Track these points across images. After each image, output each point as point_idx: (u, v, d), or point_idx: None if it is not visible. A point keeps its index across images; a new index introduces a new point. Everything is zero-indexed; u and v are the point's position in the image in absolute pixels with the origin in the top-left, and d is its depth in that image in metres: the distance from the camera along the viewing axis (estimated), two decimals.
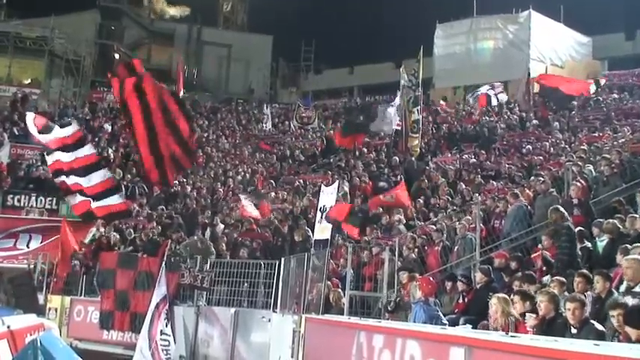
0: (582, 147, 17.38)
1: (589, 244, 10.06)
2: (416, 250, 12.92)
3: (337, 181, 15.75)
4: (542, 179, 13.27)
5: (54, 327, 8.11)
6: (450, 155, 22.58)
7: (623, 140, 16.96)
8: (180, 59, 39.03)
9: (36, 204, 22.76)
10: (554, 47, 37.47)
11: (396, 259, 12.29)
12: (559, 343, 4.62)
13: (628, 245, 8.52)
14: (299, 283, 11.64)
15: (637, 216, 9.77)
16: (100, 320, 14.78)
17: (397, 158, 22.02)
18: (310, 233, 14.89)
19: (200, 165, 26.88)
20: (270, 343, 12.46)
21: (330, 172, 22.58)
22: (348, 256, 11.95)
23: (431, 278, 10.62)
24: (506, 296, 7.98)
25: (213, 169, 25.93)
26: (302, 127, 32.59)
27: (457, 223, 13.12)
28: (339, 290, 11.69)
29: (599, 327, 6.38)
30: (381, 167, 21.90)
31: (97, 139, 28.80)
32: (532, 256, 10.09)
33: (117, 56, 47.94)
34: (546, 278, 9.03)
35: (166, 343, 13.02)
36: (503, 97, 29.23)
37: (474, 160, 20.88)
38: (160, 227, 18.48)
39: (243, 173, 24.77)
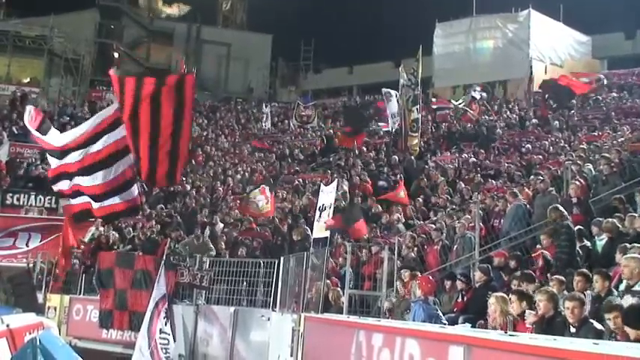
0: (582, 146, 17.40)
1: (588, 243, 10.06)
2: (415, 249, 12.93)
3: (337, 180, 15.73)
4: (541, 178, 13.28)
5: (53, 326, 8.11)
6: (449, 154, 22.59)
7: (622, 139, 16.97)
8: (181, 60, 38.93)
9: (35, 203, 22.75)
10: (554, 46, 37.47)
11: (396, 258, 12.30)
12: (558, 342, 4.62)
13: (627, 244, 8.52)
14: (298, 281, 11.64)
15: (636, 215, 9.77)
16: (99, 319, 14.78)
17: (396, 157, 22.02)
18: (309, 232, 14.88)
19: (199, 164, 26.90)
20: (269, 342, 12.46)
21: (329, 171, 22.60)
22: (348, 255, 11.95)
23: (430, 277, 10.63)
24: (505, 295, 7.98)
25: (213, 168, 25.93)
26: (301, 125, 32.58)
27: (457, 222, 13.13)
28: (339, 289, 11.70)
29: (599, 326, 6.38)
30: (381, 166, 21.91)
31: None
32: (533, 255, 10.07)
33: (116, 55, 47.99)
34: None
35: (166, 341, 13.02)
36: (484, 95, 29.21)
37: (474, 159, 20.88)
38: (159, 226, 18.48)
39: (242, 172, 24.77)
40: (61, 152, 10.87)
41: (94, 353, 14.10)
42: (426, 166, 20.71)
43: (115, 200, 10.66)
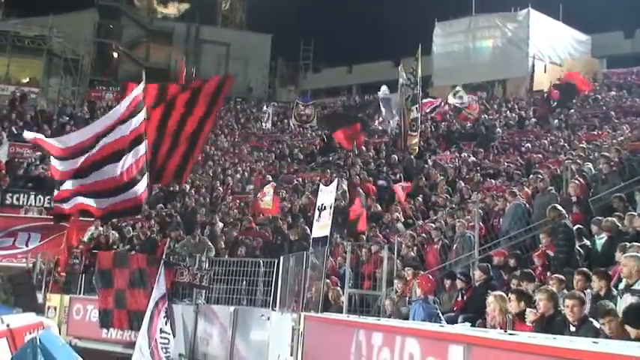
0: (581, 145, 17.40)
1: (588, 242, 10.07)
2: (415, 248, 12.95)
3: (337, 180, 15.76)
4: (540, 177, 13.28)
5: (53, 325, 8.11)
6: (448, 153, 22.61)
7: (622, 138, 16.98)
8: (181, 61, 38.94)
9: (35, 203, 22.73)
10: (553, 45, 37.50)
11: (395, 257, 12.31)
12: (557, 341, 4.62)
13: (627, 243, 8.53)
14: (298, 281, 11.64)
15: (635, 214, 9.77)
16: (99, 319, 14.75)
17: (396, 156, 22.03)
18: (308, 231, 14.88)
19: (199, 163, 26.88)
20: (269, 342, 12.46)
21: (328, 171, 22.61)
22: (347, 254, 11.96)
23: (430, 276, 10.64)
24: (503, 294, 7.99)
25: (212, 168, 25.93)
26: (301, 125, 32.57)
27: (456, 221, 13.14)
28: (338, 288, 11.70)
29: (598, 325, 6.39)
30: (380, 165, 21.92)
31: None
32: (536, 254, 10.08)
33: (115, 55, 47.98)
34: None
35: (166, 341, 13.00)
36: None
37: (473, 158, 20.89)
38: (158, 226, 18.48)
39: (241, 172, 24.78)
40: (71, 154, 10.76)
41: (94, 353, 14.09)
42: (426, 166, 20.72)
43: (116, 199, 10.64)
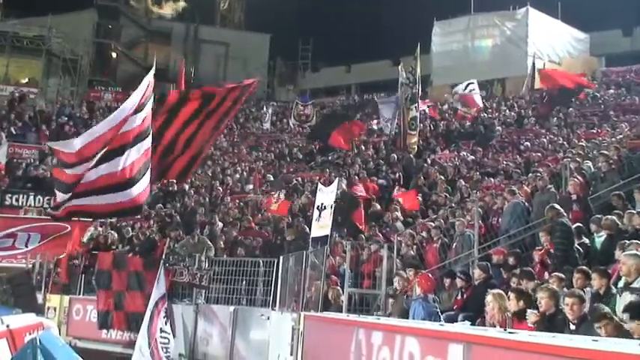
0: (580, 143, 17.40)
1: (587, 241, 10.07)
2: (414, 247, 12.95)
3: (337, 180, 15.78)
4: (539, 176, 13.29)
5: (53, 326, 8.12)
6: (447, 152, 22.61)
7: (621, 136, 16.99)
8: (181, 61, 38.88)
9: (34, 203, 22.72)
10: (552, 44, 37.52)
11: (395, 256, 12.32)
12: (557, 339, 4.62)
13: (627, 241, 8.53)
14: (298, 280, 11.65)
15: (634, 212, 9.77)
16: (98, 321, 14.73)
17: (395, 155, 22.02)
18: (307, 230, 14.88)
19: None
20: (269, 341, 12.47)
21: (327, 170, 22.62)
22: (347, 253, 11.96)
23: (430, 275, 10.65)
24: (502, 292, 8.00)
25: (212, 168, 25.92)
26: (300, 125, 32.56)
27: (456, 220, 13.15)
28: (338, 288, 11.71)
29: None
30: (380, 165, 21.92)
31: None
32: (540, 252, 10.08)
33: (114, 55, 47.95)
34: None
35: (166, 341, 13.01)
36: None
37: (472, 157, 20.89)
38: (157, 226, 18.48)
39: (241, 171, 24.78)
40: (80, 160, 10.67)
41: (94, 353, 14.09)
42: (425, 165, 20.73)
43: (116, 197, 10.58)
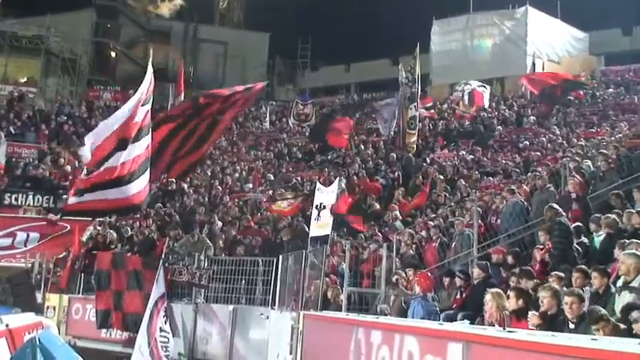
0: (580, 143, 17.41)
1: (586, 240, 10.07)
2: (414, 246, 12.96)
3: (337, 179, 15.81)
4: (539, 175, 13.29)
5: (52, 325, 8.12)
6: (446, 151, 22.62)
7: (620, 136, 16.98)
8: (180, 61, 38.87)
9: (33, 203, 22.73)
10: (551, 43, 37.51)
11: (394, 255, 12.32)
12: (557, 338, 4.63)
13: (626, 240, 8.53)
14: (297, 280, 11.66)
15: (633, 211, 9.77)
16: (96, 320, 14.71)
17: (394, 155, 22.02)
18: (307, 229, 14.89)
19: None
20: (268, 340, 12.48)
21: (326, 170, 22.62)
22: (346, 252, 11.97)
23: (429, 274, 10.66)
24: (501, 291, 8.00)
25: (211, 167, 25.92)
26: (300, 124, 32.56)
27: (455, 219, 13.16)
28: (338, 287, 11.71)
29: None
30: (379, 164, 21.92)
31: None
32: (541, 251, 10.09)
33: (113, 54, 47.89)
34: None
35: (165, 340, 13.03)
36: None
37: (471, 156, 20.90)
38: (156, 225, 18.48)
39: (240, 170, 24.77)
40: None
41: (93, 352, 14.11)
42: (424, 164, 20.74)
43: (115, 195, 10.52)
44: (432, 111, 28.22)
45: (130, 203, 10.68)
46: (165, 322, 13.09)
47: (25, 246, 20.19)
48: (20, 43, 42.98)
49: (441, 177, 18.13)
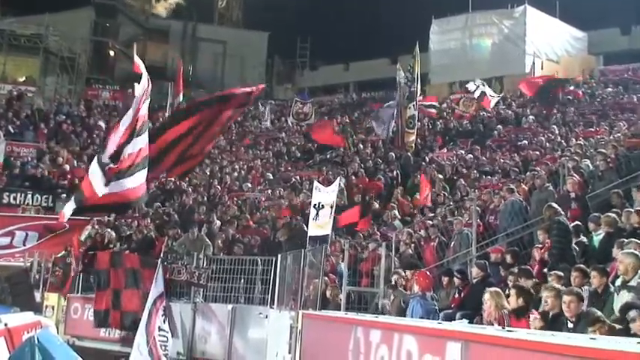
0: (578, 142, 17.41)
1: (585, 239, 10.08)
2: (412, 245, 12.96)
3: (338, 179, 15.81)
4: (537, 174, 13.30)
5: (51, 324, 8.10)
6: (445, 151, 22.62)
7: (619, 135, 16.99)
8: (179, 60, 38.79)
9: (32, 202, 22.70)
10: (550, 42, 37.53)
11: (393, 254, 12.33)
12: (555, 337, 4.63)
13: (625, 239, 8.55)
14: (296, 279, 11.66)
15: (632, 210, 9.79)
16: (94, 319, 14.70)
17: (393, 154, 22.03)
18: (305, 228, 14.88)
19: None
20: (267, 339, 12.48)
21: (324, 169, 22.63)
22: (345, 252, 11.98)
23: (428, 273, 10.67)
24: (500, 290, 8.01)
25: (210, 166, 25.90)
26: (299, 123, 32.54)
27: (454, 219, 13.17)
28: (337, 286, 11.72)
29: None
30: (378, 163, 21.92)
31: (93, 136, 28.89)
32: (540, 250, 10.09)
33: (112, 53, 47.83)
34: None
35: (164, 339, 13.02)
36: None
37: (470, 155, 20.90)
38: (154, 224, 18.47)
39: (239, 170, 24.76)
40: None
41: (92, 352, 14.09)
42: (422, 164, 20.74)
43: (112, 189, 10.45)
44: (433, 110, 28.20)
45: (127, 199, 10.60)
46: (164, 322, 13.08)
47: (24, 245, 20.13)
48: (19, 41, 42.90)
49: (440, 176, 18.14)
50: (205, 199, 21.39)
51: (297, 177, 22.50)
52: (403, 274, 11.32)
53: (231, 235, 16.70)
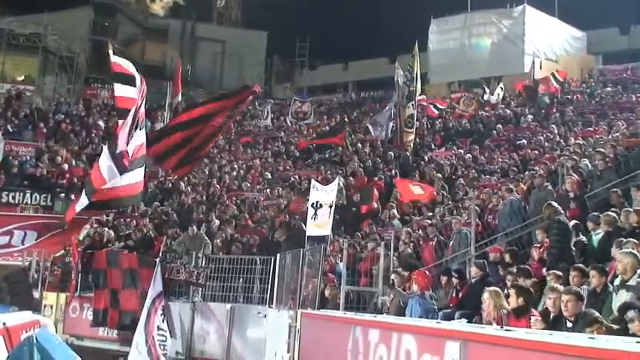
0: (577, 141, 17.41)
1: (584, 239, 10.08)
2: (411, 244, 12.96)
3: (337, 178, 15.80)
4: (536, 174, 13.30)
5: (50, 324, 8.11)
6: (444, 150, 22.62)
7: (617, 134, 16.99)
8: (177, 60, 38.76)
9: (31, 201, 22.69)
10: (549, 42, 37.57)
11: (392, 254, 12.33)
12: (554, 337, 4.62)
13: (624, 239, 8.54)
14: (294, 278, 11.66)
15: (631, 210, 9.79)
16: (93, 319, 14.69)
17: (392, 153, 22.02)
18: (304, 228, 14.87)
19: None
20: (266, 339, 12.49)
21: (323, 168, 22.62)
22: (344, 251, 11.98)
23: (426, 272, 10.66)
24: (499, 290, 8.01)
25: (208, 165, 25.87)
26: (297, 122, 32.52)
27: (453, 218, 13.17)
28: (336, 285, 11.72)
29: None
30: (377, 162, 21.91)
31: (92, 136, 28.87)
32: (539, 249, 10.09)
33: (111, 52, 47.72)
34: None
35: (163, 338, 13.03)
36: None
37: (469, 155, 20.89)
38: (153, 223, 18.45)
39: (237, 169, 24.75)
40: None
41: (90, 351, 14.08)
42: (421, 163, 20.74)
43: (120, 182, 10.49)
44: (435, 110, 28.22)
45: (127, 194, 10.64)
46: (163, 321, 13.09)
47: (23, 244, 20.12)
48: (18, 41, 42.85)
49: (439, 175, 18.14)
50: (204, 198, 21.37)
51: (296, 176, 22.49)
52: (402, 273, 11.31)
53: (230, 234, 16.70)
